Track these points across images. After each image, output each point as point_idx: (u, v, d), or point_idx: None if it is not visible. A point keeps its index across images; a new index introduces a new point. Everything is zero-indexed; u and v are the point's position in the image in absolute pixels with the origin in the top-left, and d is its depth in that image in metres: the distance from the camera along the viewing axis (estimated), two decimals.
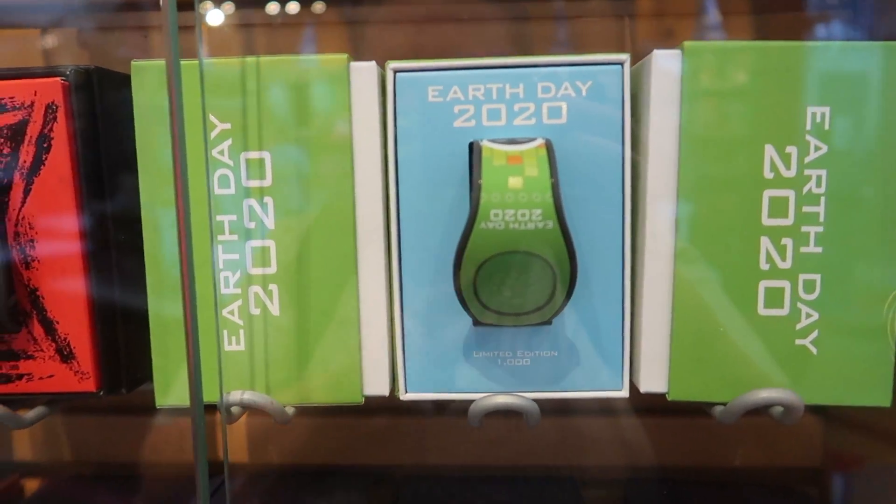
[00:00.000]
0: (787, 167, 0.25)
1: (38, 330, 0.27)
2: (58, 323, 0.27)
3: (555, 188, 0.22)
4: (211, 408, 0.26)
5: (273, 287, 0.27)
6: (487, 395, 0.26)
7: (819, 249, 0.25)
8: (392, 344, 0.27)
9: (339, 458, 0.43)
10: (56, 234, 0.27)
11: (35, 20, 0.42)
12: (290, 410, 0.27)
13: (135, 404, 0.43)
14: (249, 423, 0.44)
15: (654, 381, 0.27)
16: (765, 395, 0.25)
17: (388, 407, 0.43)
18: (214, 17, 0.41)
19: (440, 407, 0.43)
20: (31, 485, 0.44)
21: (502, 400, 0.26)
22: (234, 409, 0.27)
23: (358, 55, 0.26)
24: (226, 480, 0.27)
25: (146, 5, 0.41)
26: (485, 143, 0.23)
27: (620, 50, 0.25)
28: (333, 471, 0.42)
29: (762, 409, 0.26)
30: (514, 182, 0.22)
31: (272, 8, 0.41)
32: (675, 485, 0.40)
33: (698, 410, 0.28)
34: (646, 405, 0.42)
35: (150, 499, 0.39)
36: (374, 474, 0.41)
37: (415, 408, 0.43)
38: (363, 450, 0.43)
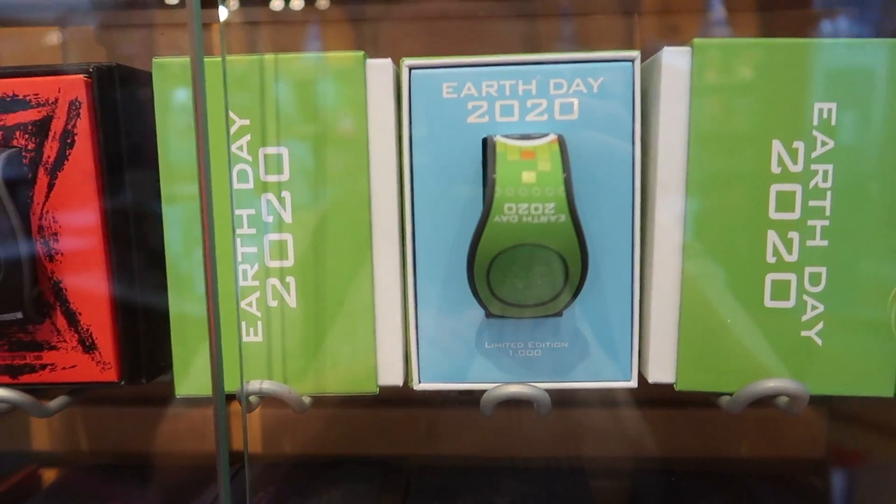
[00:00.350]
0: (795, 162, 0.25)
1: (61, 321, 0.28)
2: (80, 314, 0.28)
3: (567, 183, 0.23)
4: (226, 398, 0.26)
5: (290, 279, 0.27)
6: (500, 385, 0.27)
7: (825, 243, 0.26)
8: (406, 335, 0.28)
9: (352, 449, 0.44)
10: (79, 228, 0.27)
11: (49, 18, 0.42)
12: (306, 400, 0.28)
13: (153, 394, 0.44)
14: (264, 414, 0.44)
15: (661, 371, 0.27)
16: (771, 384, 0.26)
17: (401, 398, 0.44)
18: (220, 15, 0.41)
19: (452, 398, 0.43)
20: (50, 475, 0.45)
21: (514, 389, 0.27)
22: (252, 399, 0.28)
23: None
24: (246, 466, 0.28)
25: (152, 4, 0.42)
26: (499, 139, 0.24)
27: (627, 47, 0.25)
28: (346, 461, 0.43)
29: (767, 400, 0.26)
30: (528, 177, 0.23)
31: (276, 4, 0.41)
32: (680, 475, 0.41)
33: (703, 402, 0.28)
34: (652, 397, 0.43)
35: (167, 488, 0.40)
36: (386, 464, 0.42)
37: (427, 398, 0.43)
38: (375, 440, 0.44)
